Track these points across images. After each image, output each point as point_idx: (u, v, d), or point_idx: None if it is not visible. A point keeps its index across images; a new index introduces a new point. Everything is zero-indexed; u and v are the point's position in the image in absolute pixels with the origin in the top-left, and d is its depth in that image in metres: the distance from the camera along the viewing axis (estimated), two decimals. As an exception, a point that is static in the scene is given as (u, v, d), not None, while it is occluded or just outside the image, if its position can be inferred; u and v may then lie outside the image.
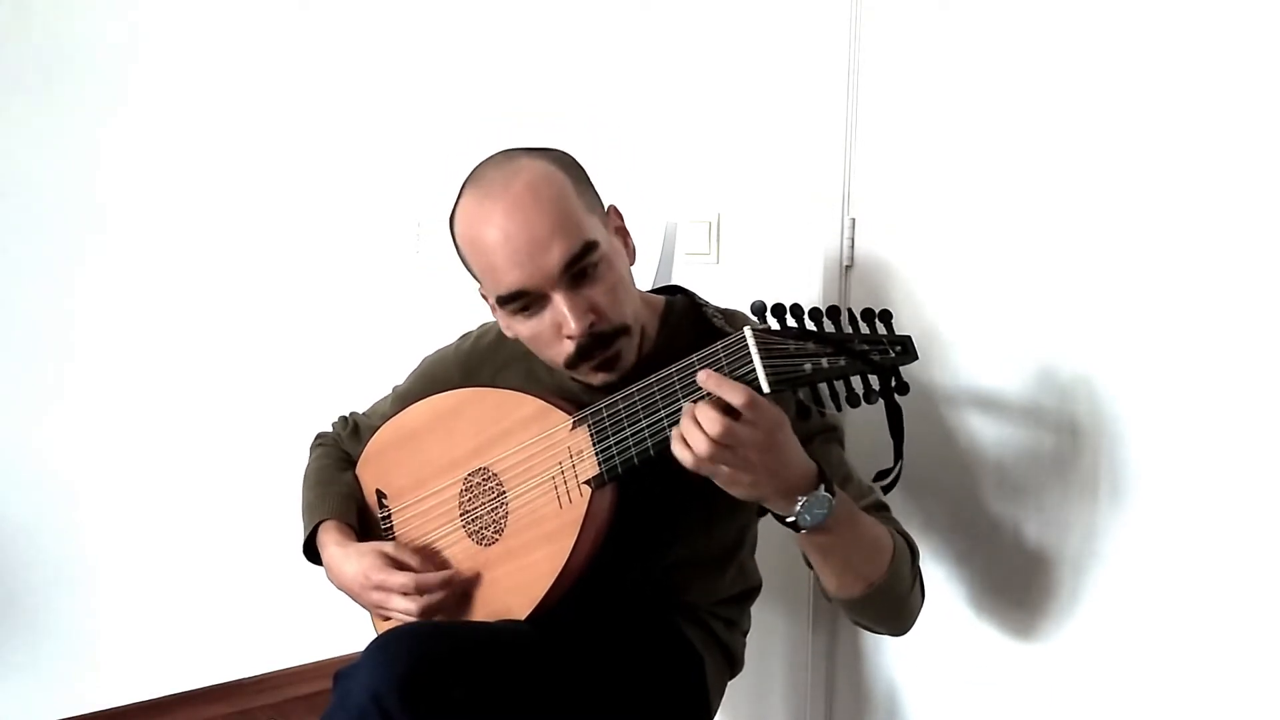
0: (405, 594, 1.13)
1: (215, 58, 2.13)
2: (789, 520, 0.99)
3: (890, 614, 1.12)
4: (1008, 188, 1.27)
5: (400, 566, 1.16)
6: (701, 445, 0.93)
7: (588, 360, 1.09)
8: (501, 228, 1.04)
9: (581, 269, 1.05)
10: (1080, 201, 1.20)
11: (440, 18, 2.30)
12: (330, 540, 1.23)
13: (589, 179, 1.13)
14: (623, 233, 1.15)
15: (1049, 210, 1.23)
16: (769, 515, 1.19)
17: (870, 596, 1.07)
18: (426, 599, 1.13)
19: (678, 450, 0.96)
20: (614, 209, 1.16)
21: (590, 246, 1.05)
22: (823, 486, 0.99)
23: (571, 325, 1.05)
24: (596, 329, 1.07)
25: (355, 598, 1.21)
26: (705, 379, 0.95)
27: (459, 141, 2.27)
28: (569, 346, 1.07)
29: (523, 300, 1.07)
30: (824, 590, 1.12)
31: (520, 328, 1.10)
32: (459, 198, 1.10)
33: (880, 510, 1.14)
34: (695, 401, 0.96)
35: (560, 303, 1.05)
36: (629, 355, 1.10)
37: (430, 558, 1.19)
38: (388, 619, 1.19)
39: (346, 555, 1.20)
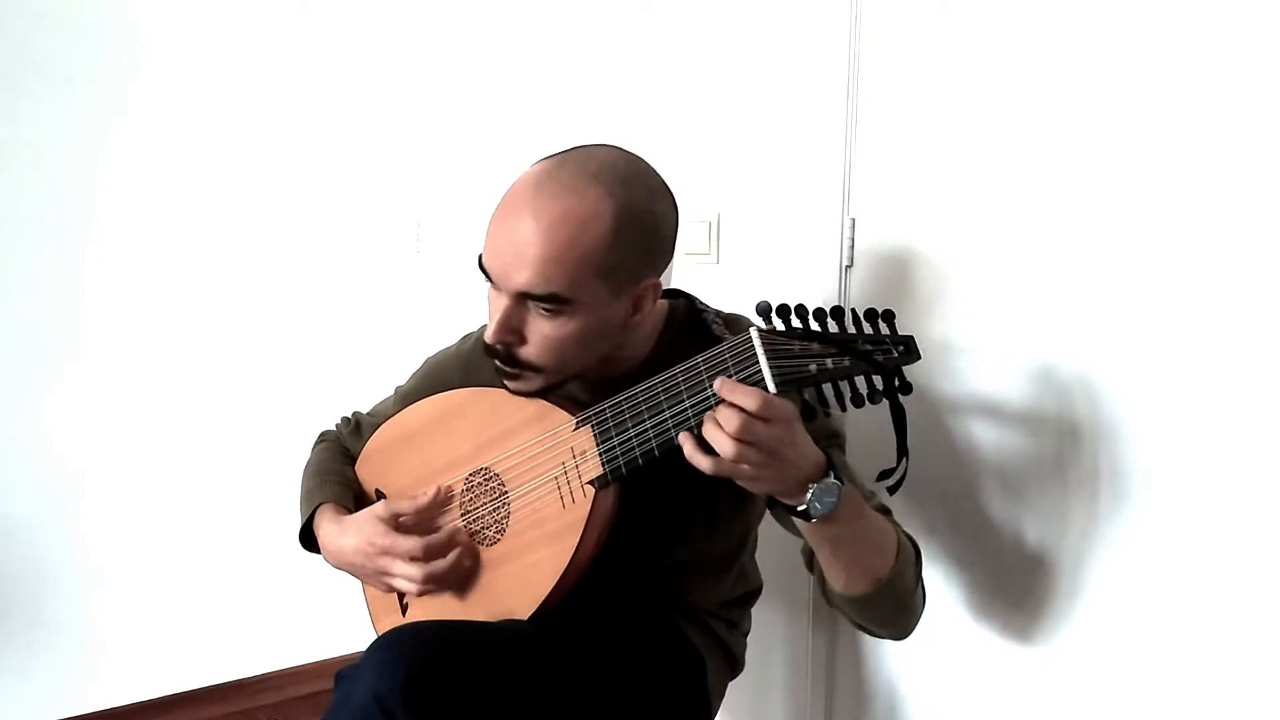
0: (413, 558, 1.13)
1: (215, 57, 2.13)
2: (800, 509, 0.99)
3: (894, 614, 1.12)
4: (1008, 188, 1.27)
5: (399, 525, 1.16)
6: (726, 446, 0.93)
7: (492, 358, 1.11)
8: (510, 218, 1.04)
9: (533, 304, 1.05)
10: (1081, 203, 1.20)
11: (441, 18, 2.30)
12: (326, 520, 1.23)
13: (653, 244, 1.08)
14: (639, 305, 1.10)
15: (1050, 211, 1.23)
16: (769, 518, 1.20)
17: (877, 594, 1.07)
18: (432, 565, 1.13)
19: (698, 459, 0.96)
20: (654, 285, 1.10)
21: (555, 299, 1.03)
22: (831, 474, 0.99)
23: (489, 330, 1.07)
24: (509, 349, 1.08)
25: (357, 570, 1.19)
26: (720, 387, 0.95)
27: (459, 142, 2.27)
28: (487, 335, 1.09)
29: (485, 274, 1.08)
30: (827, 592, 1.12)
31: (488, 286, 1.11)
32: (555, 154, 1.08)
33: (884, 513, 1.14)
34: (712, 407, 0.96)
35: (499, 306, 1.06)
36: (530, 384, 1.11)
37: (426, 509, 1.19)
38: (391, 590, 1.19)
39: (344, 529, 1.19)
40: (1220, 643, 1.10)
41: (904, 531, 1.13)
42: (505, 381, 1.13)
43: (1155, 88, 1.13)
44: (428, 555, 1.13)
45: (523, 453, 1.14)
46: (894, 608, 1.10)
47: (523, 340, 1.08)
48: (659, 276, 1.11)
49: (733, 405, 0.94)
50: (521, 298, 1.05)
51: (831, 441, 1.16)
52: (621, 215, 1.03)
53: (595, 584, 1.11)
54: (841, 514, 1.00)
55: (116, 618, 2.11)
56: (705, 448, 0.96)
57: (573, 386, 1.18)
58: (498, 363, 1.11)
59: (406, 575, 1.13)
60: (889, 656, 1.45)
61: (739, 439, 0.93)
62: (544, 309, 1.04)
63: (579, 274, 1.02)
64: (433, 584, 1.14)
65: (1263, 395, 1.06)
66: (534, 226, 1.02)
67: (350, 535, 1.18)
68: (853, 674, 1.51)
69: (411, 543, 1.13)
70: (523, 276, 1.03)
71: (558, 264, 1.02)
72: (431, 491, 1.18)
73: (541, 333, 1.06)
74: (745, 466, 0.94)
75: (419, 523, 1.18)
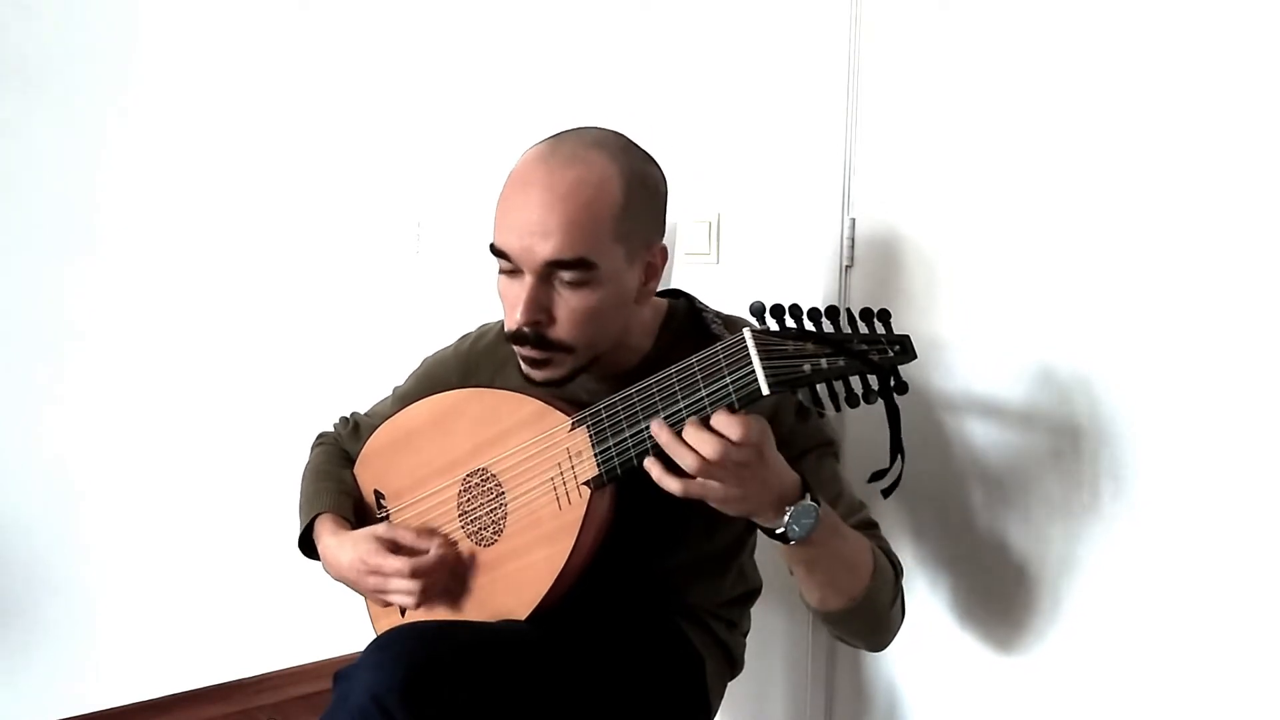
0: (401, 578, 1.14)
1: (215, 57, 2.13)
2: (779, 532, 1.00)
3: (868, 630, 1.12)
4: (1008, 187, 1.27)
5: (395, 547, 1.16)
6: (691, 463, 0.94)
7: (519, 346, 1.09)
8: (524, 194, 1.05)
9: (561, 276, 1.05)
10: (1081, 203, 1.20)
11: (440, 18, 2.30)
12: (325, 532, 1.24)
13: (657, 208, 1.12)
14: (652, 272, 1.13)
15: (1049, 210, 1.23)
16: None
17: (850, 611, 1.07)
18: (423, 581, 1.13)
19: (665, 481, 0.97)
20: (662, 249, 1.14)
21: (583, 264, 1.04)
22: (808, 496, 0.99)
23: (516, 314, 1.06)
24: (539, 330, 1.07)
25: (353, 585, 1.21)
26: (657, 430, 0.97)
27: (459, 142, 2.27)
28: (510, 324, 1.08)
29: (502, 260, 1.07)
30: (805, 602, 1.12)
31: (498, 278, 1.10)
32: (548, 137, 1.10)
33: (870, 528, 1.14)
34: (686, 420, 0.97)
35: (524, 287, 1.05)
36: (559, 369, 1.10)
37: (424, 534, 1.19)
38: (387, 605, 1.20)
39: (341, 544, 1.21)
40: (1208, 646, 1.10)
41: (886, 548, 1.13)
42: (531, 373, 1.11)
43: (1154, 88, 1.13)
44: (415, 574, 1.14)
45: (519, 453, 1.13)
46: (867, 625, 1.11)
47: (552, 319, 1.07)
48: (662, 241, 1.13)
49: (702, 424, 0.95)
50: (547, 272, 1.05)
51: (825, 450, 1.16)
52: (628, 178, 1.06)
53: (593, 585, 1.11)
54: (817, 536, 1.00)
55: (116, 618, 2.11)
56: (674, 469, 0.97)
57: (574, 385, 1.17)
58: (525, 351, 1.09)
59: (401, 590, 1.14)
60: (889, 656, 1.45)
61: (706, 461, 0.94)
62: (570, 279, 1.05)
63: (600, 237, 1.04)
64: (422, 601, 1.15)
65: (1259, 403, 1.05)
66: (551, 196, 1.03)
67: (347, 550, 1.19)
68: (852, 674, 1.50)
69: (400, 563, 1.14)
70: (549, 245, 1.03)
71: (581, 227, 1.03)
72: (436, 545, 1.16)
73: (569, 307, 1.06)
74: (715, 485, 0.95)
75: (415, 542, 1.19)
